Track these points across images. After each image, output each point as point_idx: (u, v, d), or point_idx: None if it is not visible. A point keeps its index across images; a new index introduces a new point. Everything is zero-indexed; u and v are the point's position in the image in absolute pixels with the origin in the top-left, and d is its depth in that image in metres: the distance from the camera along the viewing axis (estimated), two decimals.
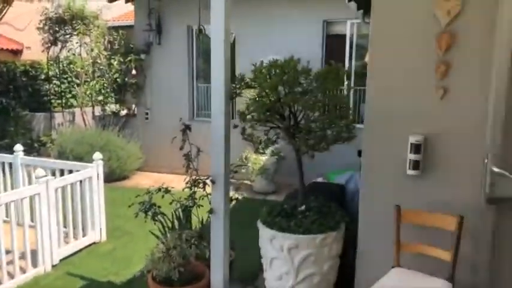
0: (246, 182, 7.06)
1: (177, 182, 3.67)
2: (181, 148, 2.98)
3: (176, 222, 3.58)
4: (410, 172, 2.59)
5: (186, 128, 3.00)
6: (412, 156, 2.57)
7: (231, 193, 3.26)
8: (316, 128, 2.91)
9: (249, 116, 2.95)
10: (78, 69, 8.87)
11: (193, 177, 3.24)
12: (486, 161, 2.34)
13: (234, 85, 2.96)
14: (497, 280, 2.47)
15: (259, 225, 2.92)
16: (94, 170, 4.68)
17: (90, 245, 4.72)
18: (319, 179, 4.85)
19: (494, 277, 2.44)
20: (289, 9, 7.08)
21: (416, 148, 2.55)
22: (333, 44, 7.24)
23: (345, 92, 6.91)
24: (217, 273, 3.02)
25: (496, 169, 2.28)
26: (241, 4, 7.15)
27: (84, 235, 4.66)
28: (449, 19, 2.42)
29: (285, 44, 6.58)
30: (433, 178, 2.60)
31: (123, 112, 8.49)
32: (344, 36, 7.04)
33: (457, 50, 2.45)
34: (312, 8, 6.94)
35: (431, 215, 2.52)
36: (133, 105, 8.49)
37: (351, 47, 7.01)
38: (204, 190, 3.15)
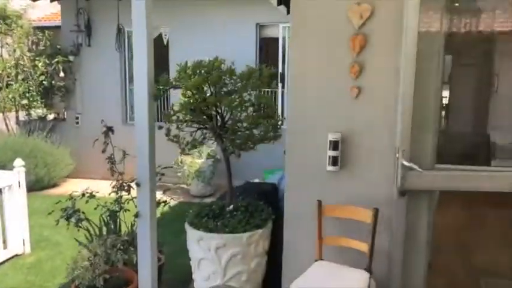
0: (182, 185, 6.99)
1: (109, 188, 3.56)
2: (103, 151, 2.89)
3: (104, 228, 3.46)
4: (329, 168, 2.70)
5: (108, 130, 2.91)
6: (331, 153, 2.67)
7: (159, 196, 3.21)
8: (242, 128, 2.96)
9: (174, 117, 2.93)
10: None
11: (119, 181, 3.16)
12: (397, 155, 2.50)
13: (158, 86, 2.92)
14: (408, 268, 2.64)
15: (187, 227, 2.91)
16: (15, 177, 4.40)
17: (12, 257, 4.43)
18: (256, 180, 4.93)
19: (406, 265, 2.60)
20: (223, 12, 7.11)
21: (334, 145, 2.66)
22: (268, 47, 7.37)
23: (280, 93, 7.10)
24: (145, 278, 2.94)
25: (406, 163, 2.44)
26: (175, 6, 7.09)
27: (4, 247, 4.36)
28: (362, 22, 2.56)
29: (219, 46, 6.57)
30: (351, 173, 2.72)
31: (51, 116, 8.06)
32: (277, 39, 7.20)
33: (369, 51, 2.59)
34: (245, 11, 7.03)
35: (349, 208, 2.64)
36: (63, 109, 8.09)
37: (283, 50, 7.17)
38: (129, 194, 3.07)
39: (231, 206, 2.98)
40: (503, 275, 3.50)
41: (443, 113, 9.01)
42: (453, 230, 4.66)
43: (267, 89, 6.69)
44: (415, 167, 2.43)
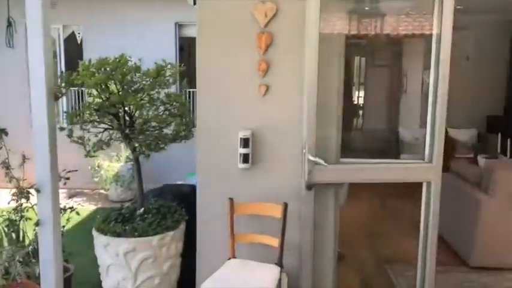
0: (101, 191, 6.66)
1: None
2: None
3: (6, 239, 3.17)
4: (241, 165, 2.70)
5: (1, 132, 2.67)
6: (242, 150, 2.68)
7: (65, 202, 3.01)
8: (151, 127, 2.87)
9: (78, 118, 2.77)
10: None
11: (18, 187, 2.92)
12: (304, 151, 2.57)
13: (58, 85, 2.73)
14: (318, 259, 2.73)
15: (94, 233, 2.76)
16: None
17: None
18: (179, 182, 4.83)
19: (315, 256, 2.68)
20: (141, 10, 6.90)
21: (245, 142, 2.67)
22: (190, 47, 7.26)
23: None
24: None
25: (311, 158, 2.51)
26: (89, 3, 6.75)
27: None
28: (267, 20, 2.60)
29: (138, 45, 6.31)
30: (262, 170, 2.75)
31: None
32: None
33: (275, 49, 2.64)
34: (163, 10, 6.88)
35: (261, 204, 2.66)
36: None
37: None
38: (28, 201, 2.85)
39: (142, 209, 2.87)
40: (405, 260, 3.75)
41: (360, 112, 9.57)
42: (363, 221, 4.92)
43: (191, 89, 6.63)
44: (320, 161, 2.51)
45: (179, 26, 7.09)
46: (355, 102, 9.56)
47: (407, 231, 3.76)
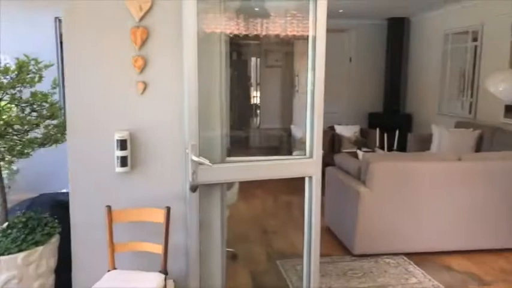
0: None
1: None
2: None
3: None
4: (119, 169, 2.51)
5: None
6: (119, 153, 2.49)
7: None
8: (14, 131, 2.56)
9: None
10: None
11: None
12: (187, 151, 2.47)
13: None
14: (206, 261, 2.66)
15: None
16: None
17: None
18: (64, 190, 4.43)
19: (203, 258, 2.61)
20: (17, 3, 6.22)
21: (122, 144, 2.48)
22: None
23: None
24: None
25: (195, 158, 2.43)
26: None
27: None
28: (142, 14, 2.45)
29: (15, 42, 5.72)
30: (144, 173, 2.59)
31: None
32: None
33: (152, 44, 2.49)
34: (42, 3, 6.29)
35: (142, 211, 2.51)
36: None
37: None
38: None
39: (5, 224, 2.54)
40: (295, 254, 3.88)
41: (258, 111, 9.80)
42: (257, 218, 5.00)
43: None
44: (204, 161, 2.44)
45: (59, 21, 6.52)
46: (253, 102, 9.77)
47: (298, 225, 3.89)
